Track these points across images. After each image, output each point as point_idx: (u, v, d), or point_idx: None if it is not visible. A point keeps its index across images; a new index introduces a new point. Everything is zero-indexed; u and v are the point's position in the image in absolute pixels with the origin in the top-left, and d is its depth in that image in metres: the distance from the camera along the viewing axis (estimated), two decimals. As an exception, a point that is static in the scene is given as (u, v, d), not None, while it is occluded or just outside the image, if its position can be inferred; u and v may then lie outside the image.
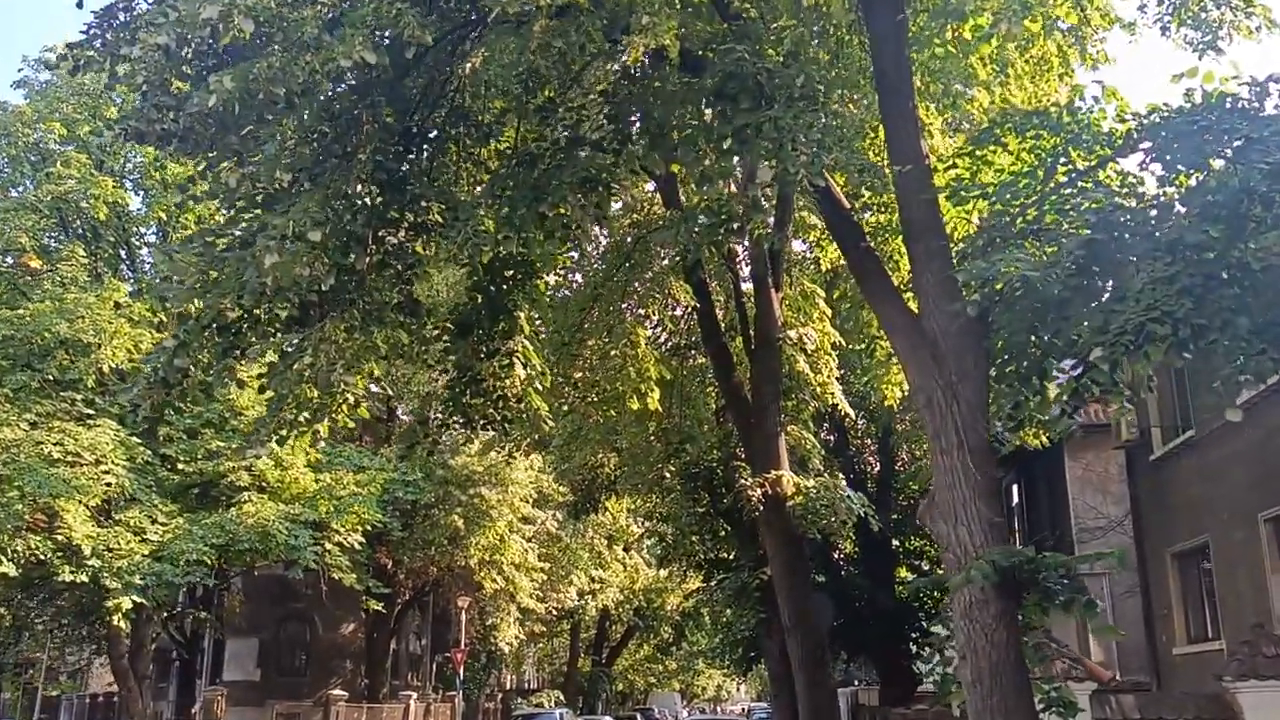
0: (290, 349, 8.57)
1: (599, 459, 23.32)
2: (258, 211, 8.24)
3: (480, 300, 10.68)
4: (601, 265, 15.95)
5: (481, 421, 11.06)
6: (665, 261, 15.32)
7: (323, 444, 33.31)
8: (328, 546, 29.15)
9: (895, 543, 31.91)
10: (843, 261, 16.63)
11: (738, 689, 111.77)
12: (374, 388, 42.99)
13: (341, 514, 28.68)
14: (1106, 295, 8.38)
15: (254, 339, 8.55)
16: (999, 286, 8.55)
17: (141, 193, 32.40)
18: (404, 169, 8.34)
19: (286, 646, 42.20)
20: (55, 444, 24.16)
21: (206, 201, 10.02)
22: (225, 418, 28.70)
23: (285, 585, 38.67)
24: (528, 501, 37.20)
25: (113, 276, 28.16)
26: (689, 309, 17.50)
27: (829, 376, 16.20)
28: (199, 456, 28.00)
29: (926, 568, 33.21)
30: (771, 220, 8.84)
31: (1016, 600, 8.20)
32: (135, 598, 25.49)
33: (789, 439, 16.56)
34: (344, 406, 9.51)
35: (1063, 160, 9.25)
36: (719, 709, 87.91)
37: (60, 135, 30.29)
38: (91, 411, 26.82)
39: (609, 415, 17.12)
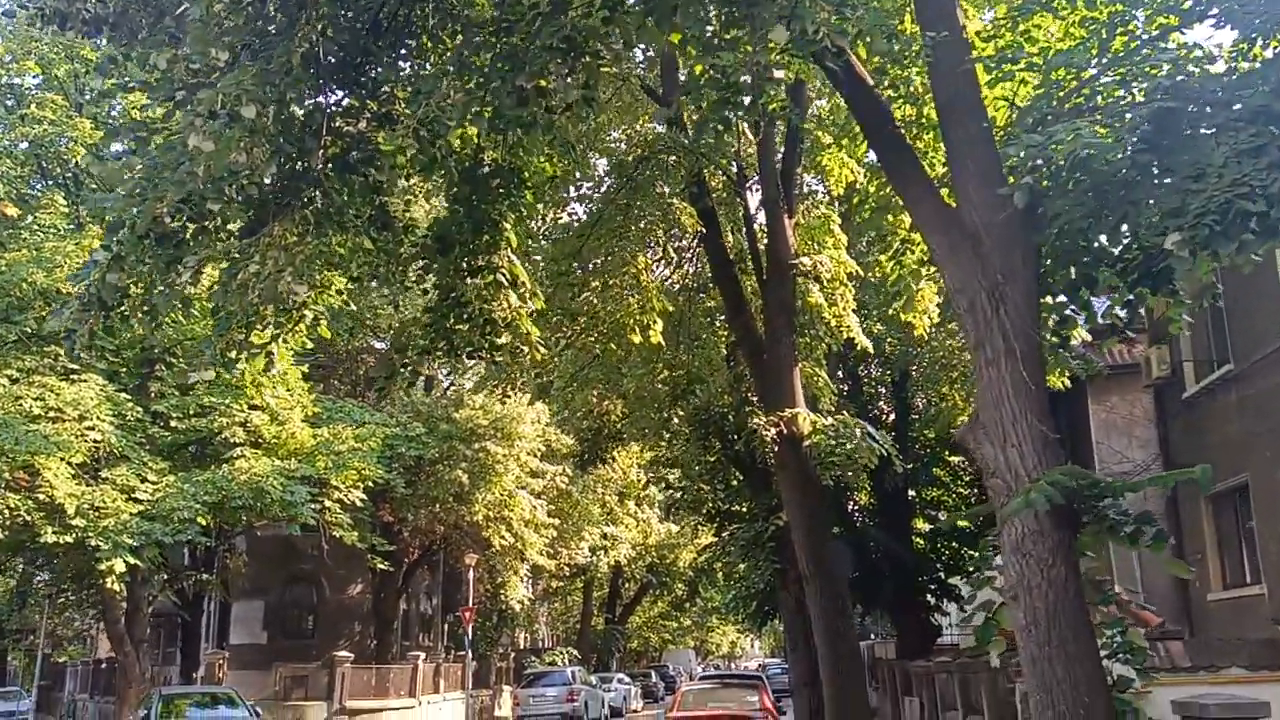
0: (237, 256, 7.45)
1: (604, 406, 22.28)
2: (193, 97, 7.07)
3: (462, 213, 9.55)
4: (600, 194, 14.76)
5: (468, 350, 9.96)
6: (669, 187, 14.16)
7: (322, 398, 32.68)
8: (327, 504, 28.21)
9: (911, 493, 30.99)
10: (858, 182, 15.46)
11: (752, 645, 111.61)
12: (378, 344, 42.21)
13: (341, 469, 27.66)
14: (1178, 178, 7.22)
15: (197, 249, 7.43)
16: (1049, 171, 7.40)
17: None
18: (360, 42, 7.18)
19: (293, 609, 41.49)
20: (35, 399, 23.15)
21: (141, 94, 8.85)
22: (218, 372, 27.61)
23: (290, 546, 37.79)
24: (535, 456, 36.21)
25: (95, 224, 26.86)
26: (696, 237, 16.36)
27: (845, 309, 15.03)
28: (191, 413, 26.98)
29: (944, 519, 32.30)
30: (785, 93, 7.61)
31: (1074, 531, 7.11)
32: (129, 559, 24.58)
33: (801, 377, 15.42)
34: (301, 325, 8.39)
35: (1119, 30, 8.04)
36: (733, 665, 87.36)
37: (36, 74, 28.99)
38: (77, 367, 25.82)
39: (611, 351, 16.02)
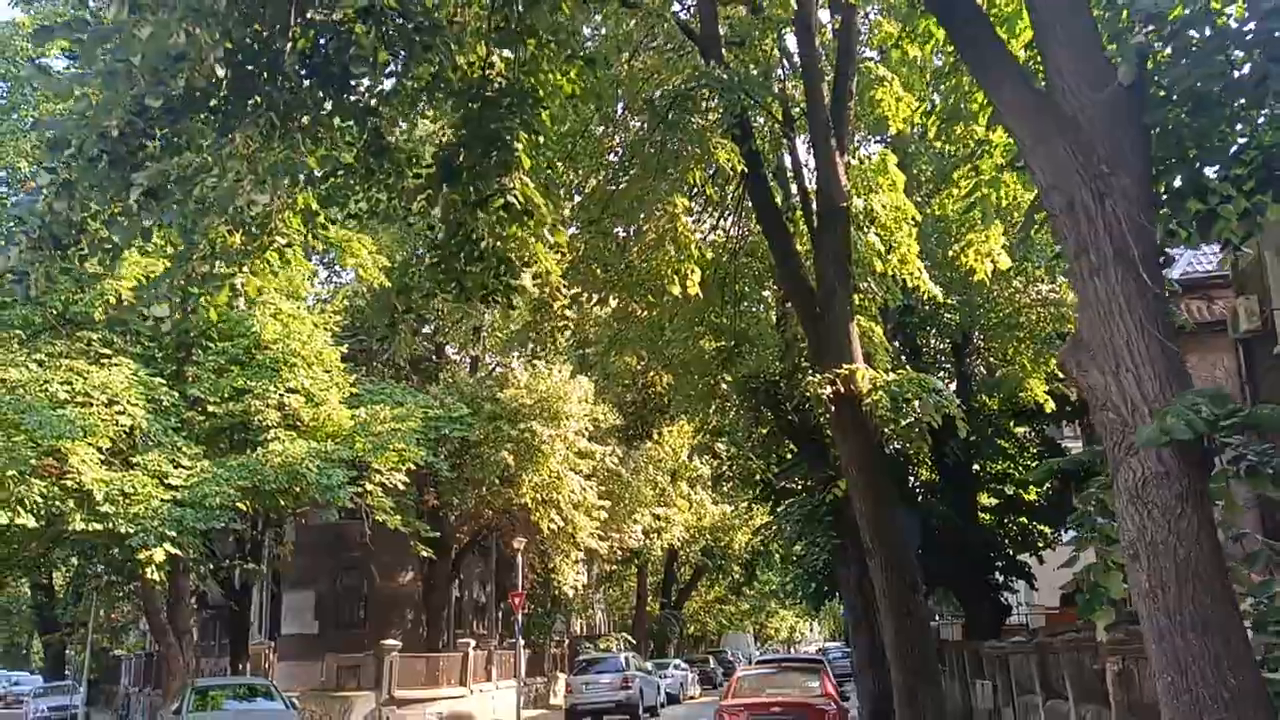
0: (191, 170, 6.33)
1: (649, 378, 21.10)
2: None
3: (468, 134, 8.37)
4: (631, 137, 13.50)
5: (482, 293, 8.79)
6: (707, 124, 12.88)
7: (362, 380, 31.81)
8: (368, 487, 27.31)
9: (975, 467, 29.53)
10: (921, 102, 14.09)
11: (811, 630, 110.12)
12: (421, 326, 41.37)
13: (380, 451, 26.71)
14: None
15: (149, 163, 6.31)
16: (1161, 38, 6.07)
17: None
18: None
19: (344, 598, 40.94)
20: (62, 384, 22.40)
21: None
22: (251, 352, 26.84)
23: (340, 535, 37.19)
24: (583, 435, 35.11)
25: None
26: (738, 183, 15.06)
27: (908, 253, 13.65)
28: (226, 396, 26.18)
29: (1010, 493, 30.85)
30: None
31: (1205, 474, 5.79)
32: (169, 548, 23.85)
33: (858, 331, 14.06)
34: (270, 249, 7.25)
35: None
36: (791, 650, 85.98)
37: (64, 50, 28.25)
38: (109, 351, 25.11)
39: (650, 304, 14.82)
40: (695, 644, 76.32)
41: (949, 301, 22.71)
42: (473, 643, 36.54)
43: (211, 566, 33.36)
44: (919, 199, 16.96)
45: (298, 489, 24.87)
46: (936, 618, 43.29)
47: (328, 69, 6.60)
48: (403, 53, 7.41)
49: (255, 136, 6.25)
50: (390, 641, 32.12)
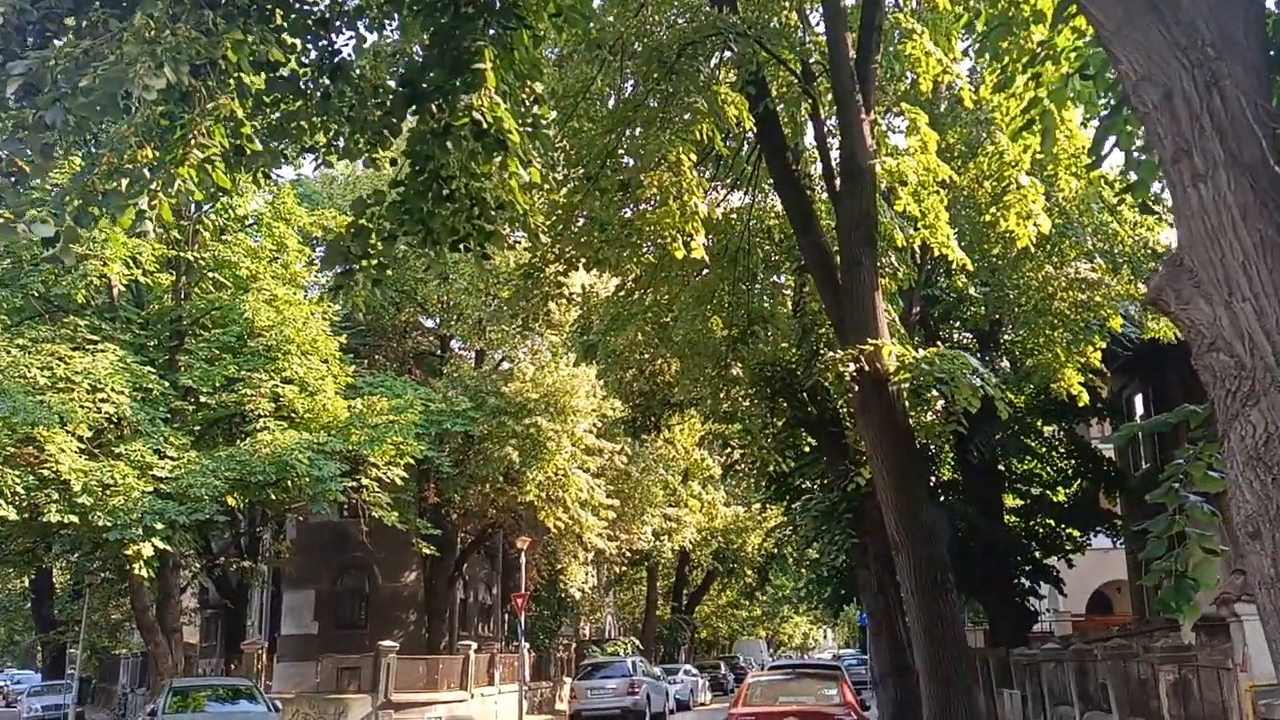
0: (79, 55, 5.15)
1: (656, 365, 19.88)
2: None
3: (437, 53, 7.21)
4: (631, 88, 12.28)
5: (451, 238, 7.61)
6: (719, 76, 11.67)
7: (362, 371, 30.69)
8: (365, 481, 26.18)
9: (1001, 466, 28.22)
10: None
11: (825, 636, 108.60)
12: (426, 320, 40.23)
13: (377, 444, 25.57)
14: None
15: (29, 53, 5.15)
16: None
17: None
18: None
19: (345, 598, 39.88)
20: (42, 369, 21.33)
21: None
22: (244, 339, 25.75)
23: (342, 534, 36.14)
24: (591, 432, 33.92)
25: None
26: (752, 149, 13.85)
27: (937, 218, 12.36)
28: (218, 385, 25.10)
29: (1037, 493, 29.54)
30: None
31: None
32: (158, 543, 22.77)
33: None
34: (186, 163, 6.04)
35: None
36: (805, 657, 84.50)
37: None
38: (96, 338, 24.07)
39: (650, 268, 13.61)
40: (707, 649, 75.04)
41: (973, 292, 21.46)
42: (474, 645, 35.30)
43: (205, 564, 32.32)
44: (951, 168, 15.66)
45: (288, 481, 23.73)
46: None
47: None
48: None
49: (162, 19, 5.08)
50: (388, 643, 30.94)
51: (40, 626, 46.00)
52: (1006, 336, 25.55)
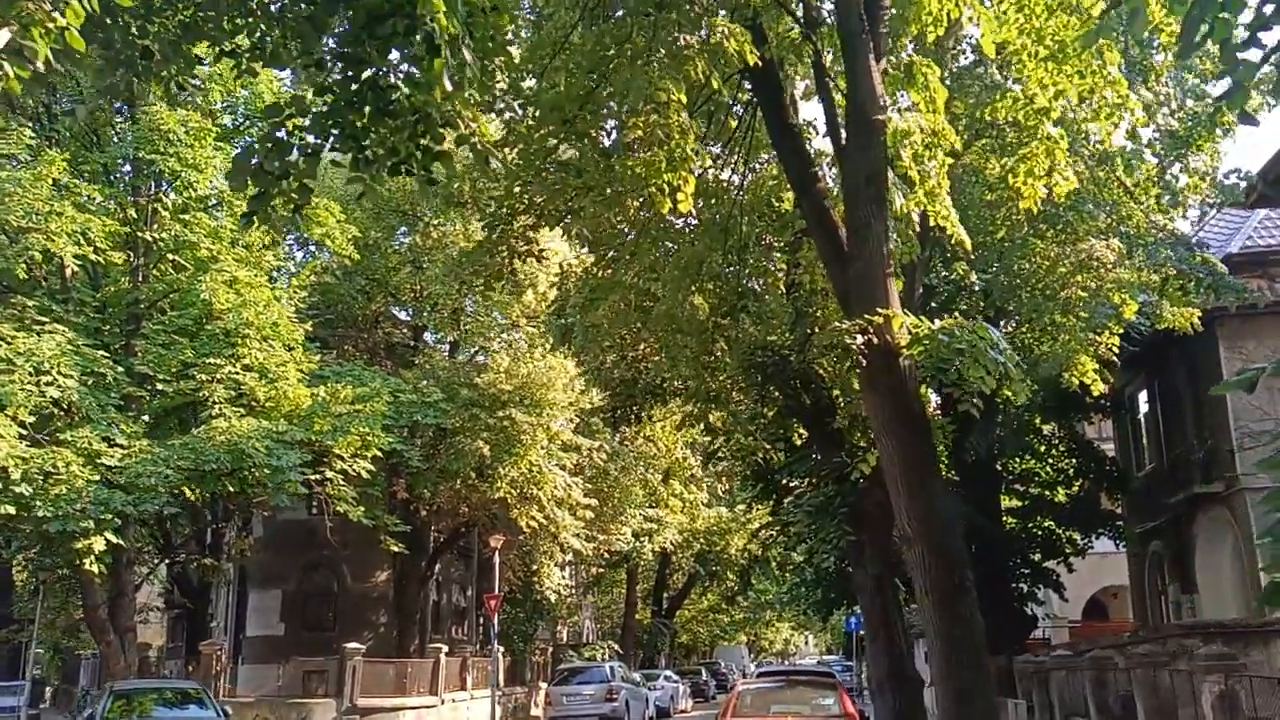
0: None
1: (638, 350, 18.58)
2: None
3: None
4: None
5: (390, 159, 6.29)
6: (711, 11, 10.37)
7: (329, 361, 29.26)
8: (329, 475, 24.76)
9: (999, 465, 27.06)
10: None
11: (806, 642, 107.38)
12: (400, 312, 38.80)
13: (341, 435, 24.15)
14: None
15: None
16: None
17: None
18: None
19: (313, 598, 38.22)
20: (-21, 349, 19.89)
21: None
22: (201, 322, 24.30)
23: (310, 531, 34.50)
24: (569, 427, 32.56)
25: (61, 153, 23.35)
26: (747, 101, 12.57)
27: (939, 184, 11.09)
28: (174, 371, 23.65)
29: (1035, 493, 28.38)
30: None
31: None
32: (111, 537, 21.34)
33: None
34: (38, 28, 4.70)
35: None
36: (786, 664, 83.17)
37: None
38: (45, 319, 22.59)
39: (631, 226, 12.31)
40: (687, 654, 73.72)
41: (974, 279, 20.23)
42: (445, 648, 33.87)
43: (160, 560, 30.81)
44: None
45: (244, 471, 22.30)
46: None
47: None
48: None
49: None
50: (353, 645, 29.49)
51: (-5, 625, 44.33)
52: (1009, 328, 24.40)
